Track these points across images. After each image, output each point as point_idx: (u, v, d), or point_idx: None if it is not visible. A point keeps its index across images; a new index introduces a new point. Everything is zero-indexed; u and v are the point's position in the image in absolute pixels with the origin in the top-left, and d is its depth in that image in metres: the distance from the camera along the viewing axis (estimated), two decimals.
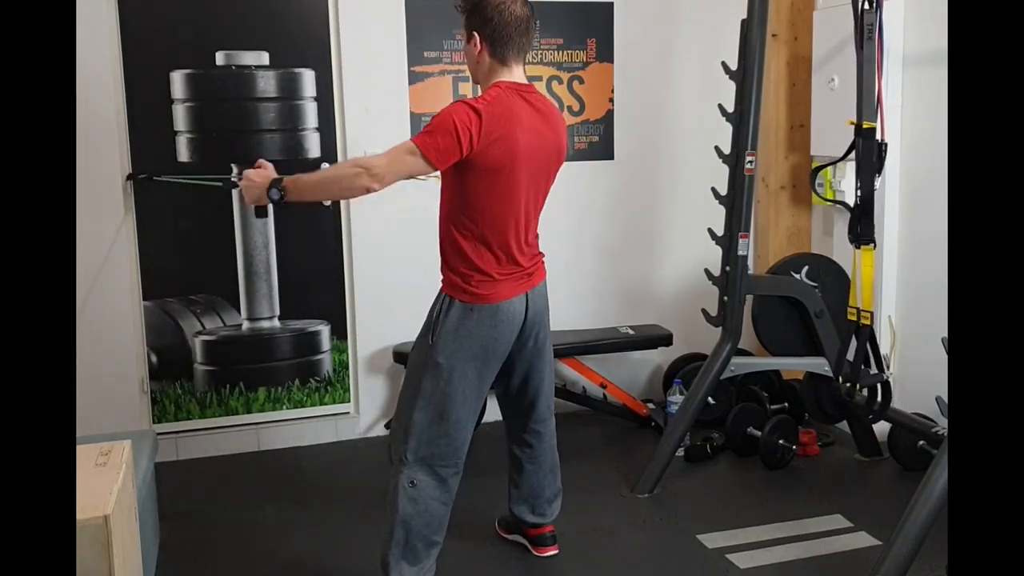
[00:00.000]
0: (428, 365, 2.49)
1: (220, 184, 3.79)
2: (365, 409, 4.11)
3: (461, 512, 3.32)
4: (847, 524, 3.16)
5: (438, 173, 2.43)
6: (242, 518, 3.30)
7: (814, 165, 3.89)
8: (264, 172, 2.43)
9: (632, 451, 3.73)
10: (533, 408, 2.80)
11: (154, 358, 3.85)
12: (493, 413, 4.17)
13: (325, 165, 3.89)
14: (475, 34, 2.42)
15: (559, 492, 2.97)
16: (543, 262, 2.69)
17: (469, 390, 2.53)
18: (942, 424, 3.31)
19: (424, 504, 2.55)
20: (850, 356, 3.38)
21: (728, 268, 3.57)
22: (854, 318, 3.32)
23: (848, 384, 3.40)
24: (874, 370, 3.36)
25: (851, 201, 3.33)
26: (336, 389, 4.10)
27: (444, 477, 2.56)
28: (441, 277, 2.59)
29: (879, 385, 3.34)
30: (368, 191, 2.31)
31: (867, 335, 3.30)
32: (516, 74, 2.47)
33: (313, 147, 3.91)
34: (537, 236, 2.66)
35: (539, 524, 2.95)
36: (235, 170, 3.82)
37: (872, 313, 3.29)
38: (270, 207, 2.50)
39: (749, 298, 3.66)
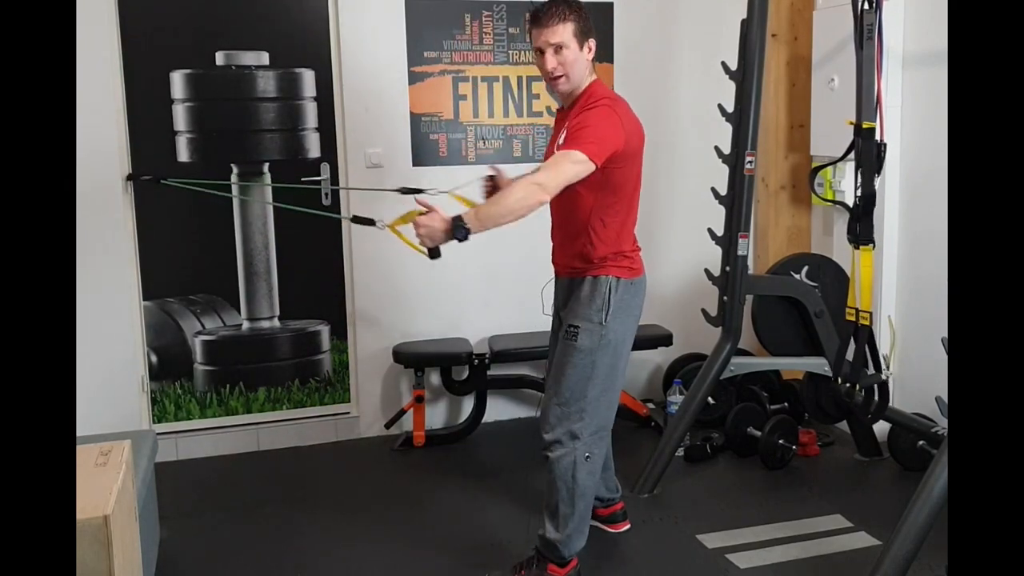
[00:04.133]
0: (600, 345, 2.67)
1: (229, 194, 3.79)
2: (365, 409, 4.11)
3: (456, 511, 3.32)
4: (847, 524, 3.16)
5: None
6: (242, 518, 3.30)
7: (813, 165, 3.89)
8: (437, 215, 2.46)
9: (632, 451, 3.73)
10: None
11: (154, 358, 3.85)
12: (493, 413, 4.18)
13: (325, 165, 3.91)
14: (592, 41, 2.65)
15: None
16: None
17: (627, 358, 2.79)
18: (942, 424, 3.31)
19: (595, 472, 2.76)
20: (850, 356, 3.39)
21: (728, 268, 3.57)
22: (852, 318, 3.32)
23: (848, 384, 3.40)
24: (872, 371, 3.36)
25: (850, 201, 3.33)
26: (336, 389, 4.10)
27: (607, 442, 2.81)
28: (573, 264, 2.75)
29: (876, 386, 3.34)
30: (541, 204, 2.51)
31: (866, 335, 3.30)
32: None
33: (313, 147, 3.91)
34: None
35: (611, 501, 3.13)
36: (235, 170, 3.83)
37: (871, 313, 3.29)
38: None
39: (749, 298, 3.67)
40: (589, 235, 2.68)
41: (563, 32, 2.57)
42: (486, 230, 2.48)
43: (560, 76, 2.62)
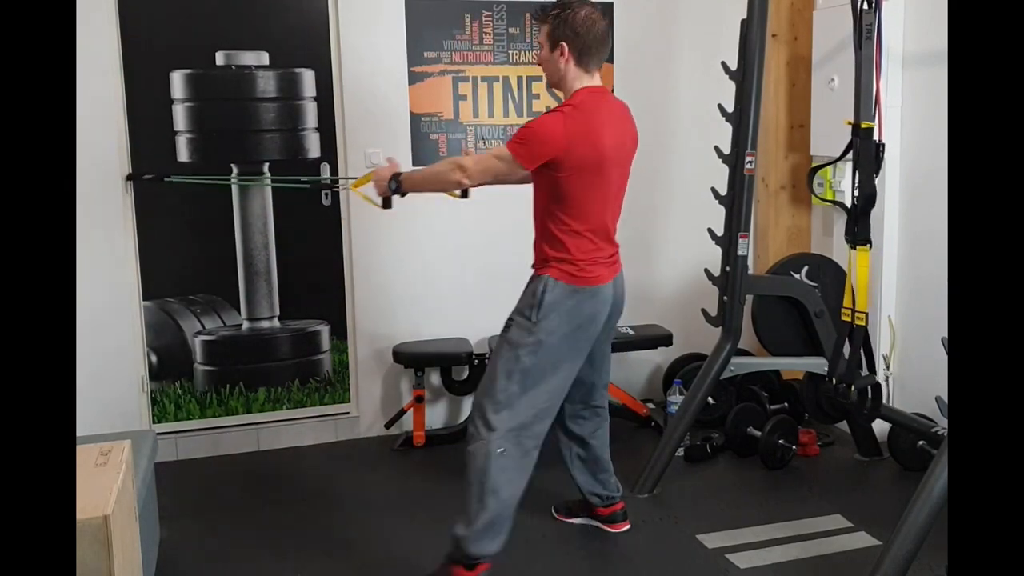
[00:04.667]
0: (529, 342, 2.66)
1: (230, 182, 3.81)
2: (365, 409, 4.11)
3: (456, 511, 3.32)
4: (847, 524, 3.16)
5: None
6: (242, 518, 3.30)
7: (812, 165, 3.89)
8: (390, 167, 2.82)
9: (632, 451, 3.73)
10: (596, 387, 3.01)
11: (154, 358, 3.85)
12: None
13: (325, 165, 3.91)
14: (563, 44, 2.65)
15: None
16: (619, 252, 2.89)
17: (564, 366, 2.73)
18: (942, 424, 3.31)
19: (512, 473, 2.67)
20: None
21: (728, 268, 3.57)
22: (847, 318, 3.31)
23: (843, 384, 3.39)
24: (866, 372, 3.35)
25: (848, 201, 3.33)
26: (336, 389, 4.10)
27: (527, 449, 2.70)
28: (534, 262, 2.79)
29: (869, 387, 3.33)
30: (459, 184, 2.69)
31: (861, 336, 3.29)
32: (596, 80, 2.72)
33: (313, 147, 3.91)
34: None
35: (612, 500, 3.12)
36: (235, 170, 3.83)
37: (867, 314, 3.29)
38: (394, 200, 2.91)
39: (749, 298, 3.66)
40: (541, 235, 2.74)
41: (541, 32, 2.72)
42: (415, 190, 2.82)
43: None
